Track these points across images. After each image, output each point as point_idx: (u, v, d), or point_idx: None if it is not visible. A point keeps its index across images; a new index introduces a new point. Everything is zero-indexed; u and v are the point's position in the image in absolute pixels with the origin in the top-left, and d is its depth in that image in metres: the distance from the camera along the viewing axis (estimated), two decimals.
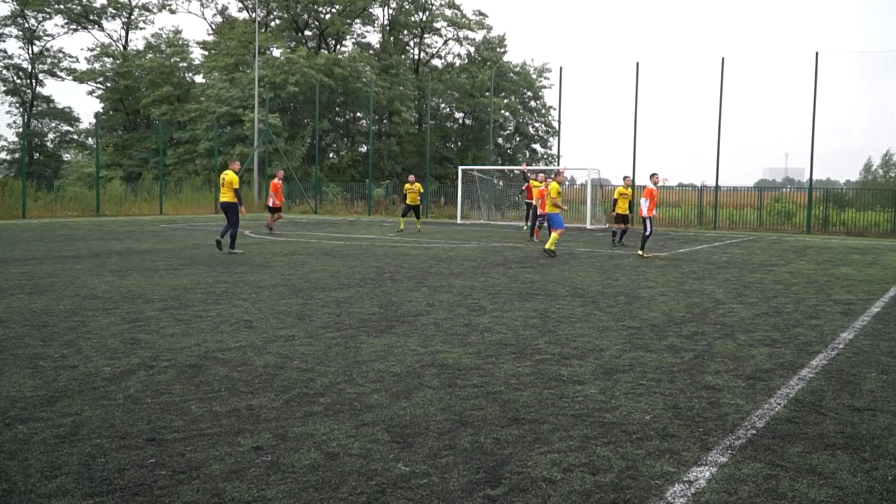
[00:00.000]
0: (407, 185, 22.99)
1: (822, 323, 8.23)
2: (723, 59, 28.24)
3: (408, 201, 22.79)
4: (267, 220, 21.38)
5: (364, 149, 47.95)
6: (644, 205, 15.81)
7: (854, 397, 5.28)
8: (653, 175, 16.28)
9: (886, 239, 24.47)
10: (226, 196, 14.97)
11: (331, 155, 47.70)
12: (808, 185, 28.03)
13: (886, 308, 9.42)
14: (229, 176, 14.88)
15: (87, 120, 54.01)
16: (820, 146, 28.17)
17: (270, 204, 21.31)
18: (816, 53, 26.56)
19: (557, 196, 15.88)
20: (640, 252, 15.72)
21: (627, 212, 18.99)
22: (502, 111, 46.36)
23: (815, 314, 8.80)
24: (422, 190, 23.28)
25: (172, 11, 50.92)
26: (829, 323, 8.23)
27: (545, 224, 19.57)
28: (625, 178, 18.88)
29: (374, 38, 55.57)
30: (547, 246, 15.64)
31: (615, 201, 19.09)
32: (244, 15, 51.28)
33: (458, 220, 30.21)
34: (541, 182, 20.30)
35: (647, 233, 15.72)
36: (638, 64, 29.67)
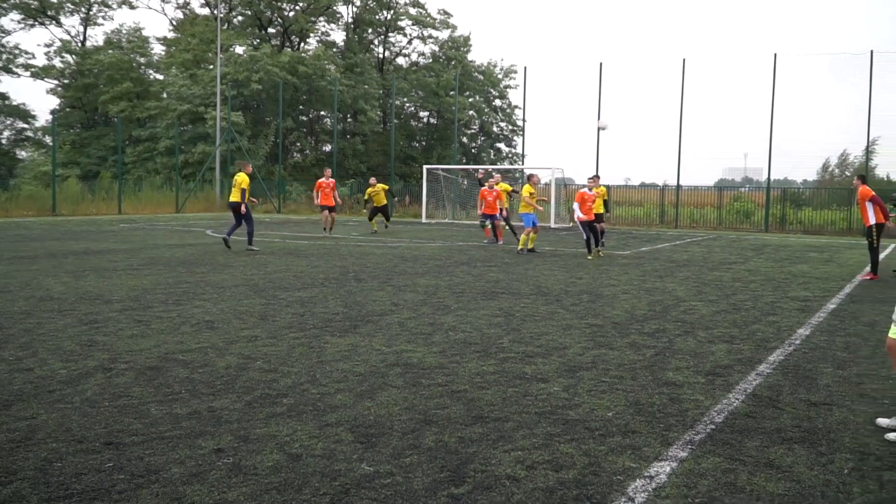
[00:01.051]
0: (370, 189, 22.17)
1: (780, 319, 8.39)
2: (684, 59, 28.71)
3: (374, 204, 22.03)
4: (325, 221, 20.83)
5: (328, 147, 47.63)
6: (575, 209, 15.27)
7: (810, 392, 5.40)
8: (593, 177, 16.40)
9: (842, 237, 25.06)
10: (233, 196, 15.37)
11: (295, 154, 47.29)
12: (766, 185, 28.59)
13: (842, 305, 9.64)
14: (239, 177, 15.36)
15: (43, 117, 52.80)
16: (778, 146, 28.66)
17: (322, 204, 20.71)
18: (775, 55, 27.11)
19: (530, 197, 16.34)
20: (589, 256, 15.21)
21: (602, 211, 18.87)
22: (467, 110, 46.42)
23: (773, 311, 8.97)
24: (387, 187, 22.71)
25: (132, 7, 49.88)
26: (786, 319, 8.40)
27: (489, 224, 19.02)
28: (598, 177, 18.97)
29: (338, 36, 55.48)
30: (519, 247, 15.80)
31: None
32: (206, 11, 50.59)
33: (423, 219, 30.21)
34: (497, 183, 20.04)
35: (585, 237, 15.28)
36: (601, 64, 30.01)
